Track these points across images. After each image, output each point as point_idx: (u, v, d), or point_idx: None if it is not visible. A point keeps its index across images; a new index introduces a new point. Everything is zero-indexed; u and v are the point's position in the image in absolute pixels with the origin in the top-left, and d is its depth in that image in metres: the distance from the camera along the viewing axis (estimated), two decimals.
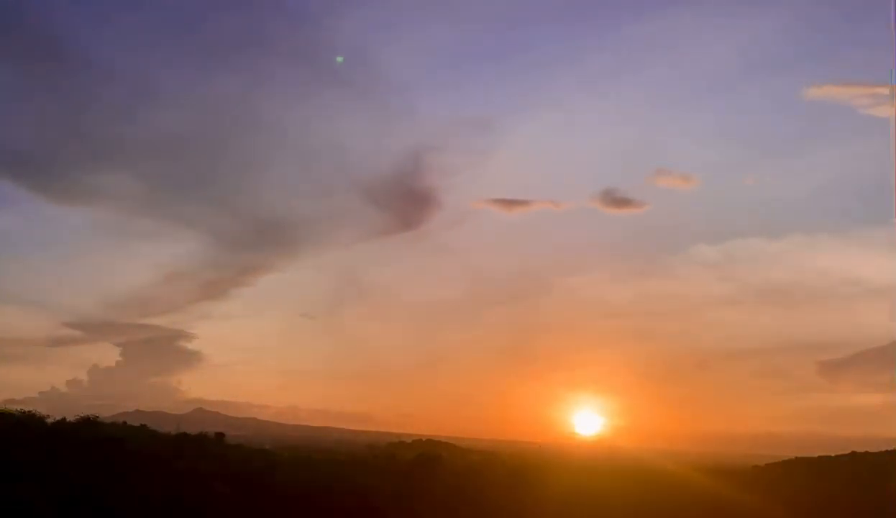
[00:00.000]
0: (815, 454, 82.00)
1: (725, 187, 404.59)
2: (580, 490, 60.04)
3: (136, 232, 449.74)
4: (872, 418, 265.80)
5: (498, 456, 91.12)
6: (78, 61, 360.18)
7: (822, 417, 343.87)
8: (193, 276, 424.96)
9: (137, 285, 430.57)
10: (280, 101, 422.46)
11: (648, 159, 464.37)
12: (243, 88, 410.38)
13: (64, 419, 59.21)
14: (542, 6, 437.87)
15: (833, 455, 79.25)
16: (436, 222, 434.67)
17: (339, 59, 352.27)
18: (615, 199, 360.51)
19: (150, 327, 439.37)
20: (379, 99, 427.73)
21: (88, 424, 58.94)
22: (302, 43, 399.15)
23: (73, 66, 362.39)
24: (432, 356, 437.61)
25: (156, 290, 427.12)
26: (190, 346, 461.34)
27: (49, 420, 57.49)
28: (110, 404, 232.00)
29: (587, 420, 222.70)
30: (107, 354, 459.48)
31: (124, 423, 75.77)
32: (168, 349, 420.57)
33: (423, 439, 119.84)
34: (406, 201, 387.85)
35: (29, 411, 57.63)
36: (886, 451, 73.81)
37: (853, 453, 77.85)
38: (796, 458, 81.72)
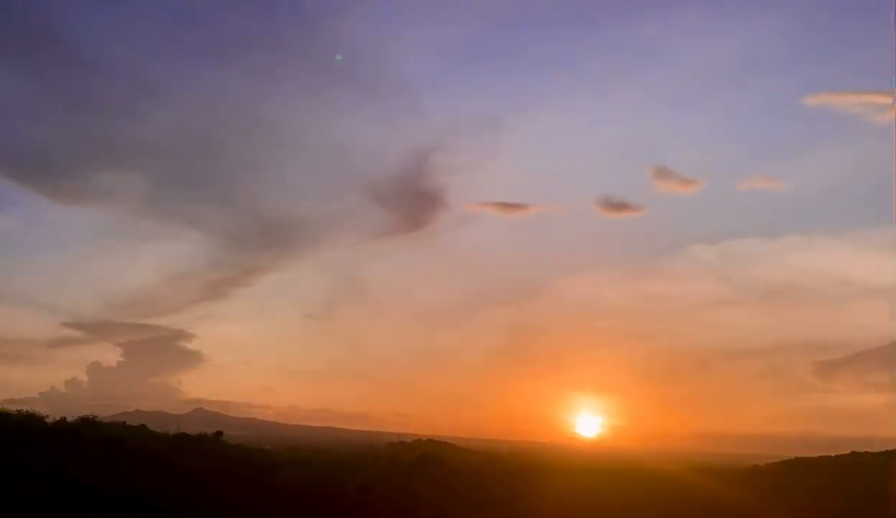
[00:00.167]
0: (815, 454, 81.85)
1: (725, 189, 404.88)
2: (580, 490, 60.19)
3: (137, 232, 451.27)
4: (872, 418, 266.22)
5: (498, 456, 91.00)
6: (79, 60, 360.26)
7: (822, 417, 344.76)
8: (195, 277, 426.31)
9: (138, 285, 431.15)
10: (285, 101, 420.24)
11: (648, 161, 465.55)
12: (247, 88, 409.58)
13: (64, 419, 58.95)
14: (542, 6, 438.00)
15: (833, 455, 79.13)
16: (439, 223, 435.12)
17: (339, 57, 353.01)
18: (614, 204, 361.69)
19: (150, 327, 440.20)
20: (384, 98, 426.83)
21: (88, 424, 58.77)
22: (307, 42, 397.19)
23: (75, 64, 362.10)
24: (433, 356, 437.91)
25: (156, 290, 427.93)
26: (190, 346, 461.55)
27: (49, 420, 57.26)
28: (110, 404, 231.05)
29: (587, 420, 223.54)
30: (107, 355, 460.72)
31: (124, 423, 75.41)
32: (168, 349, 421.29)
33: (424, 439, 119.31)
34: (409, 201, 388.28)
35: (29, 411, 57.38)
36: (886, 451, 73.71)
37: (853, 453, 77.74)
38: (796, 458, 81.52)
